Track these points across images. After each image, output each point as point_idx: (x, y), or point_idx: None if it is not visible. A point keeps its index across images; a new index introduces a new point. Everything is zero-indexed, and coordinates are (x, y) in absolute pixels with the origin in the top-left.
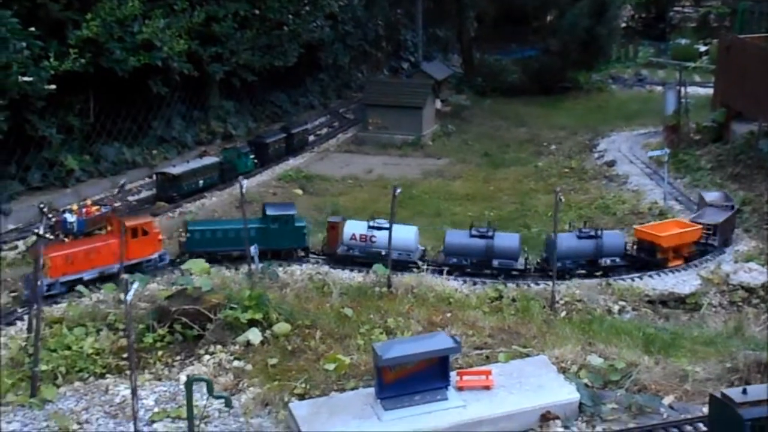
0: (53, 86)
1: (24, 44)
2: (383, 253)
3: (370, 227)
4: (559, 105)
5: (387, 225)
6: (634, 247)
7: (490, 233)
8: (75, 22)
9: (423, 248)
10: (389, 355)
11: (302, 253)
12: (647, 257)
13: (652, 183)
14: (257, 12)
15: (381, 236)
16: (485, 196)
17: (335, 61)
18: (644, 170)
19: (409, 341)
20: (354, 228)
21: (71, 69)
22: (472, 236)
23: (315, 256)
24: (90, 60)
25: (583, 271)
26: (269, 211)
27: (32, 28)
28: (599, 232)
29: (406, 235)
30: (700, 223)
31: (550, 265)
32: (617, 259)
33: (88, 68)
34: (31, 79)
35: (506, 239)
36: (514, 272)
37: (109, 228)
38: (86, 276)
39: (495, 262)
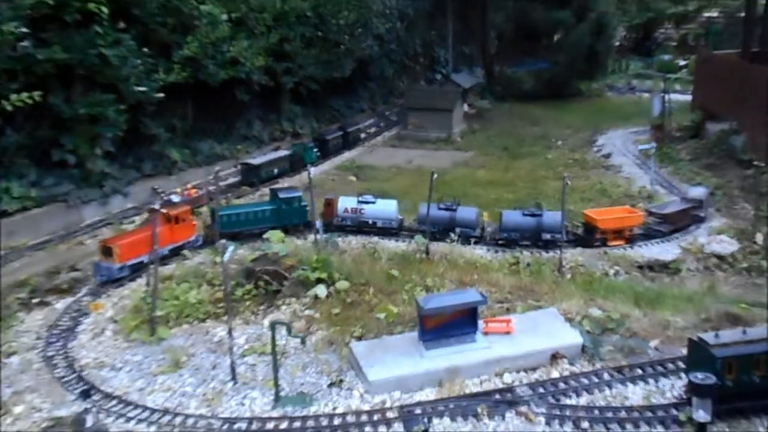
0: (161, 94)
1: (139, 61)
2: (370, 222)
3: (359, 202)
4: (565, 108)
5: (373, 200)
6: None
7: (453, 207)
8: (178, 43)
9: (402, 218)
10: (430, 305)
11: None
12: (587, 236)
13: (641, 171)
14: (320, 34)
15: (368, 209)
16: (504, 182)
17: (381, 73)
18: (635, 161)
19: (445, 295)
20: (346, 203)
21: (175, 81)
22: (439, 209)
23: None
24: (190, 74)
25: (527, 243)
26: (281, 195)
27: (145, 49)
28: (541, 212)
29: (389, 207)
30: (651, 213)
31: (501, 237)
32: (557, 235)
33: (188, 80)
34: (144, 89)
35: (466, 212)
36: (473, 238)
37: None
38: (145, 259)
39: (457, 230)
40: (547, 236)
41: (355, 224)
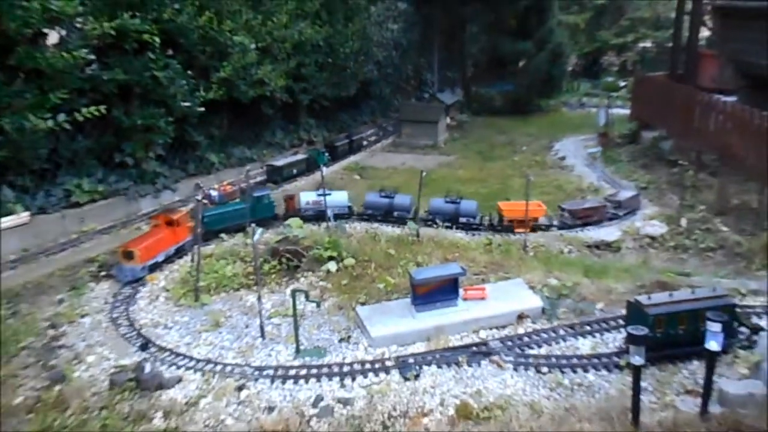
0: (202, 108)
1: (184, 81)
2: (328, 211)
3: (318, 195)
4: (528, 121)
5: (329, 192)
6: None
7: (392, 195)
8: (215, 67)
9: (351, 205)
10: (420, 277)
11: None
12: (497, 223)
13: (590, 170)
14: (330, 60)
15: (327, 200)
16: (479, 179)
17: (380, 92)
18: (585, 163)
19: (432, 268)
20: (308, 197)
21: (213, 98)
22: (381, 197)
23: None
24: (225, 92)
25: (449, 224)
26: (256, 194)
27: (189, 72)
28: (459, 200)
29: (341, 197)
30: (562, 208)
31: (428, 219)
32: (472, 219)
33: (223, 97)
34: (188, 104)
35: (401, 198)
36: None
37: (157, 223)
38: (159, 258)
39: (395, 214)
40: (464, 220)
41: (315, 213)
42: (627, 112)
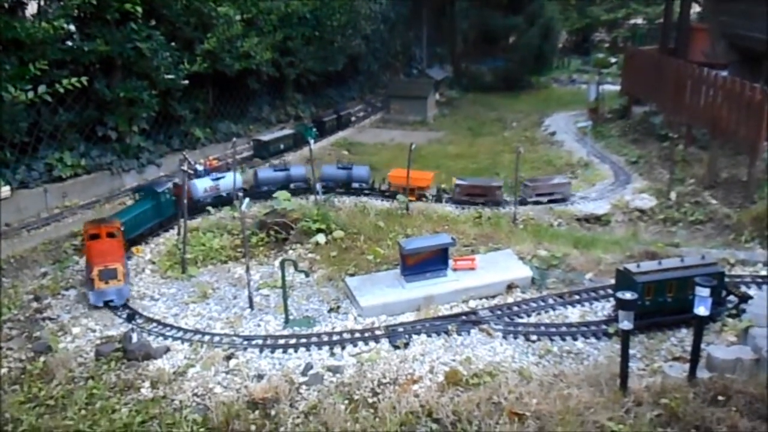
0: (186, 82)
1: (168, 54)
2: (224, 195)
3: (213, 179)
4: (518, 97)
5: (223, 175)
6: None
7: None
8: (200, 39)
9: (244, 186)
10: (409, 246)
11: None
12: (386, 190)
13: (580, 145)
14: (317, 33)
15: (222, 183)
16: (469, 155)
17: (368, 68)
18: (575, 138)
19: (422, 238)
20: (203, 184)
21: (197, 71)
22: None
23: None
24: (209, 65)
25: (342, 191)
26: (158, 189)
27: (173, 43)
28: (351, 166)
29: (235, 178)
30: (459, 184)
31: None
32: (364, 185)
33: (208, 70)
34: (172, 77)
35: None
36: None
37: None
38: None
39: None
40: (356, 185)
41: (213, 200)
42: (617, 88)
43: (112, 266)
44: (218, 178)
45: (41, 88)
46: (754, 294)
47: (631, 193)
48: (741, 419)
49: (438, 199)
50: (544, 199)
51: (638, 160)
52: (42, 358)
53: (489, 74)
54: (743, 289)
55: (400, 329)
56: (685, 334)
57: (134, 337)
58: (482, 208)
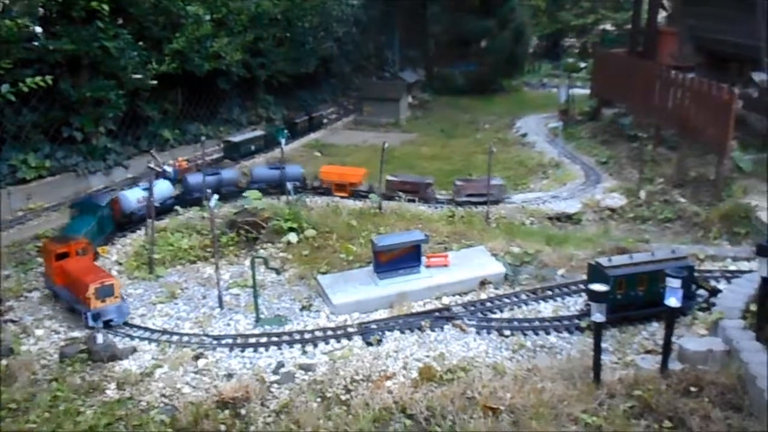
0: (155, 82)
1: (135, 53)
2: (157, 204)
3: (143, 189)
4: (490, 100)
5: (155, 183)
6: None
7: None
8: (168, 39)
9: (176, 192)
10: (382, 243)
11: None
12: (319, 186)
13: (551, 147)
14: (288, 35)
15: (155, 192)
16: (443, 156)
17: (340, 70)
18: (546, 140)
19: (395, 235)
20: (135, 195)
21: (166, 71)
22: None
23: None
24: (178, 65)
25: (274, 190)
26: (101, 202)
27: (141, 43)
28: (284, 166)
29: (166, 186)
30: (390, 180)
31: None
32: (297, 183)
33: (177, 70)
34: (140, 76)
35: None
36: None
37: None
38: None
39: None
40: (290, 185)
41: (145, 211)
42: (587, 92)
43: (108, 282)
44: (148, 188)
45: (4, 88)
46: (723, 288)
47: (602, 193)
48: (713, 409)
49: (349, 194)
50: (475, 199)
51: (608, 161)
52: (4, 361)
53: (461, 77)
54: (713, 283)
55: (373, 326)
56: (657, 328)
57: (99, 338)
58: (456, 207)
